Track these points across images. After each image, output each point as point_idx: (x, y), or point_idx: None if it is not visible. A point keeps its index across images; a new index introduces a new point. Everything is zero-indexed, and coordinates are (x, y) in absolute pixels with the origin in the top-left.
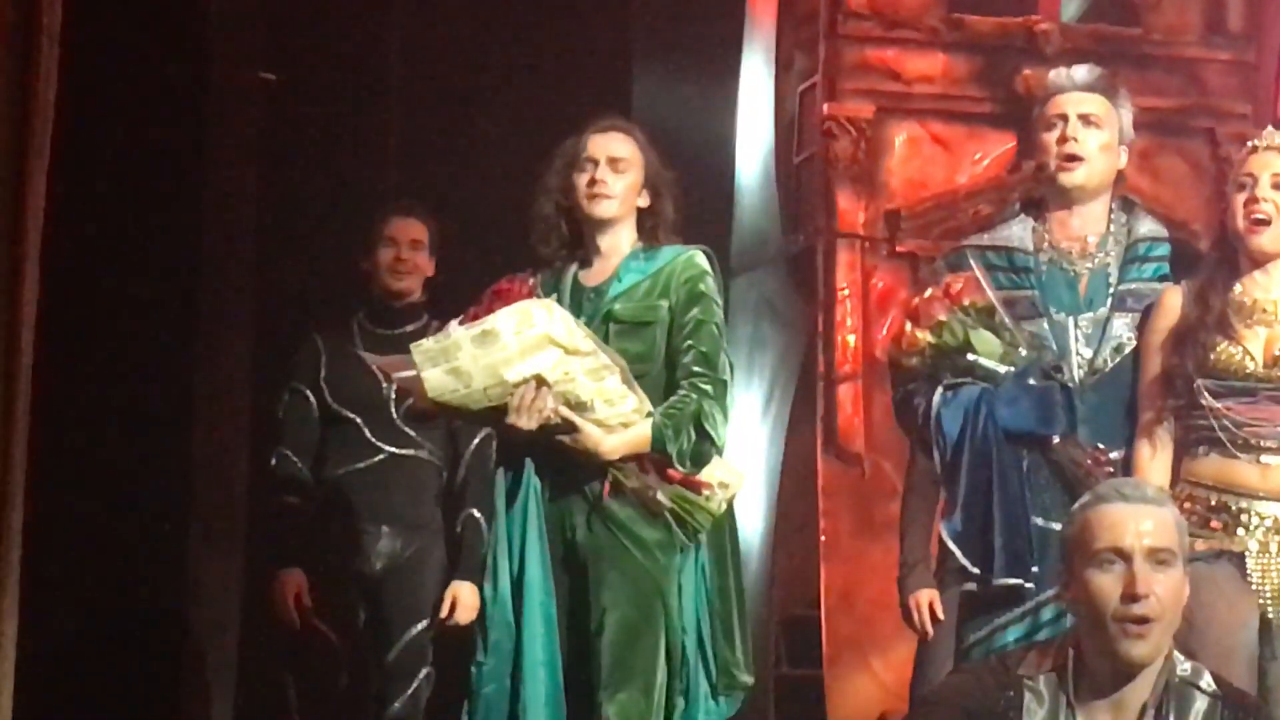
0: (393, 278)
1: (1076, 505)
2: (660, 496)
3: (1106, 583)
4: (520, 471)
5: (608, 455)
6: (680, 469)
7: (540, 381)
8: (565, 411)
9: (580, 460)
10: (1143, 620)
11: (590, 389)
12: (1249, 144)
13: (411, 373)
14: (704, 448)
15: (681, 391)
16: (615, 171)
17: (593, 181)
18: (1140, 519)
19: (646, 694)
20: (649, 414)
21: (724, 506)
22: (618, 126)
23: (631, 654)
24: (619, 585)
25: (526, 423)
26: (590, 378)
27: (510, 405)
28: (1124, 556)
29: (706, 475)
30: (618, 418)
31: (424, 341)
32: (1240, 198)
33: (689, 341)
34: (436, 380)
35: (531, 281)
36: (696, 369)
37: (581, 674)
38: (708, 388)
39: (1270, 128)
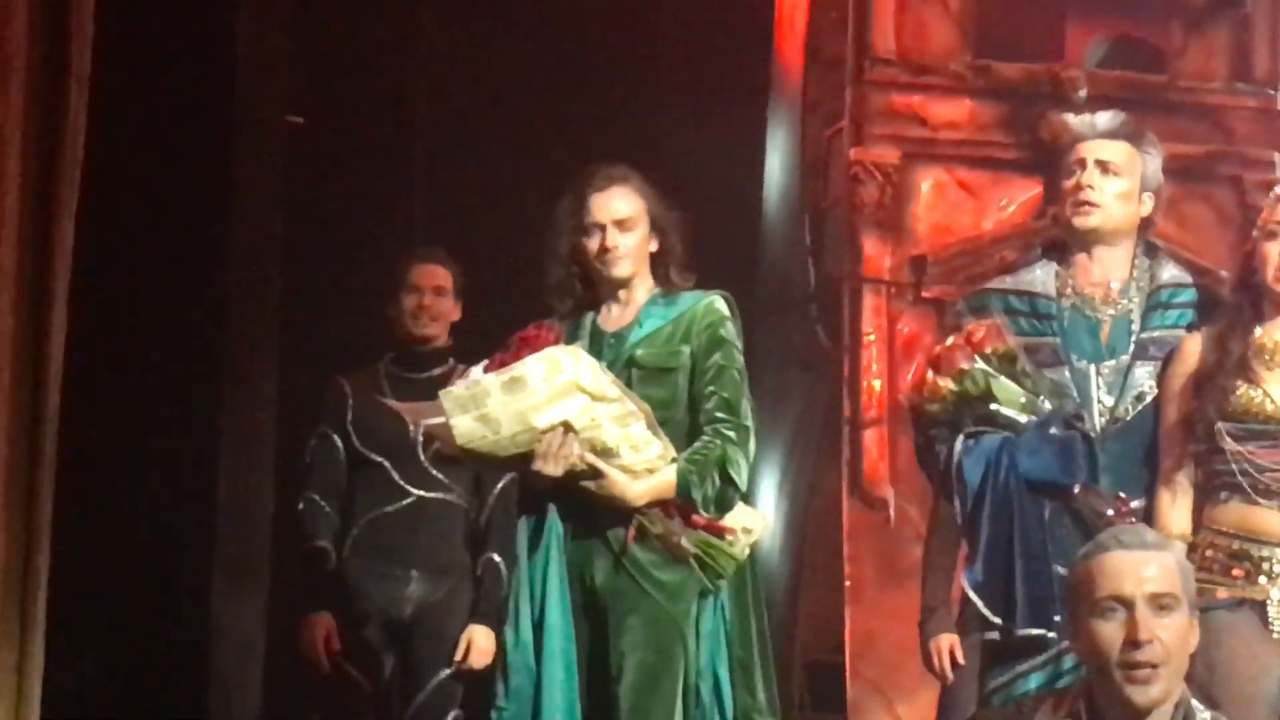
0: (416, 324)
1: (1078, 555)
2: (684, 542)
3: (1109, 631)
4: (543, 517)
5: (633, 501)
6: (704, 514)
7: (567, 428)
8: (591, 458)
9: (604, 506)
10: (1147, 666)
11: (616, 435)
12: (1276, 191)
13: (440, 419)
14: (728, 493)
15: (705, 438)
16: (623, 231)
17: (604, 248)
18: (1140, 566)
19: None
20: (673, 460)
21: (747, 551)
22: (614, 179)
23: (651, 698)
24: (639, 629)
25: (553, 469)
26: (616, 424)
27: (537, 451)
28: (1125, 604)
29: (730, 520)
30: (643, 464)
31: (453, 389)
32: (1272, 246)
33: (711, 387)
34: (466, 427)
35: (560, 328)
36: (719, 415)
37: (601, 719)
38: (731, 433)
39: None
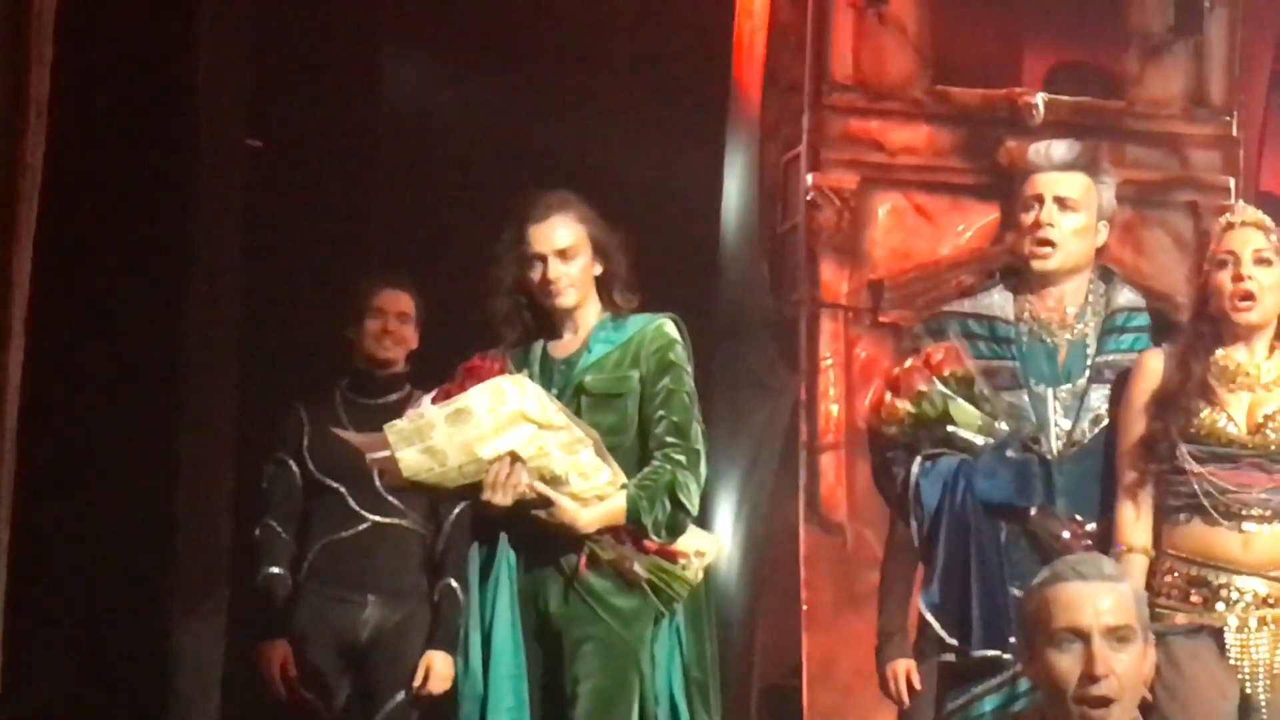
0: (379, 349)
1: (1034, 583)
2: (637, 568)
3: (1066, 663)
4: (494, 545)
5: (584, 529)
6: (656, 539)
7: (515, 457)
8: (540, 486)
9: (555, 533)
10: (1103, 701)
11: (564, 463)
12: (1223, 220)
13: (386, 453)
14: (679, 517)
15: (655, 462)
16: (565, 261)
17: (546, 280)
18: (1098, 597)
19: None
20: (623, 486)
21: (701, 575)
22: (554, 208)
23: None
24: (593, 655)
25: (502, 499)
26: (564, 451)
27: (485, 482)
28: (1082, 636)
29: (683, 544)
30: (592, 490)
31: (397, 422)
32: (1223, 275)
33: (660, 411)
34: (411, 460)
35: (504, 358)
36: (669, 439)
37: None
38: (681, 458)
39: (1241, 202)
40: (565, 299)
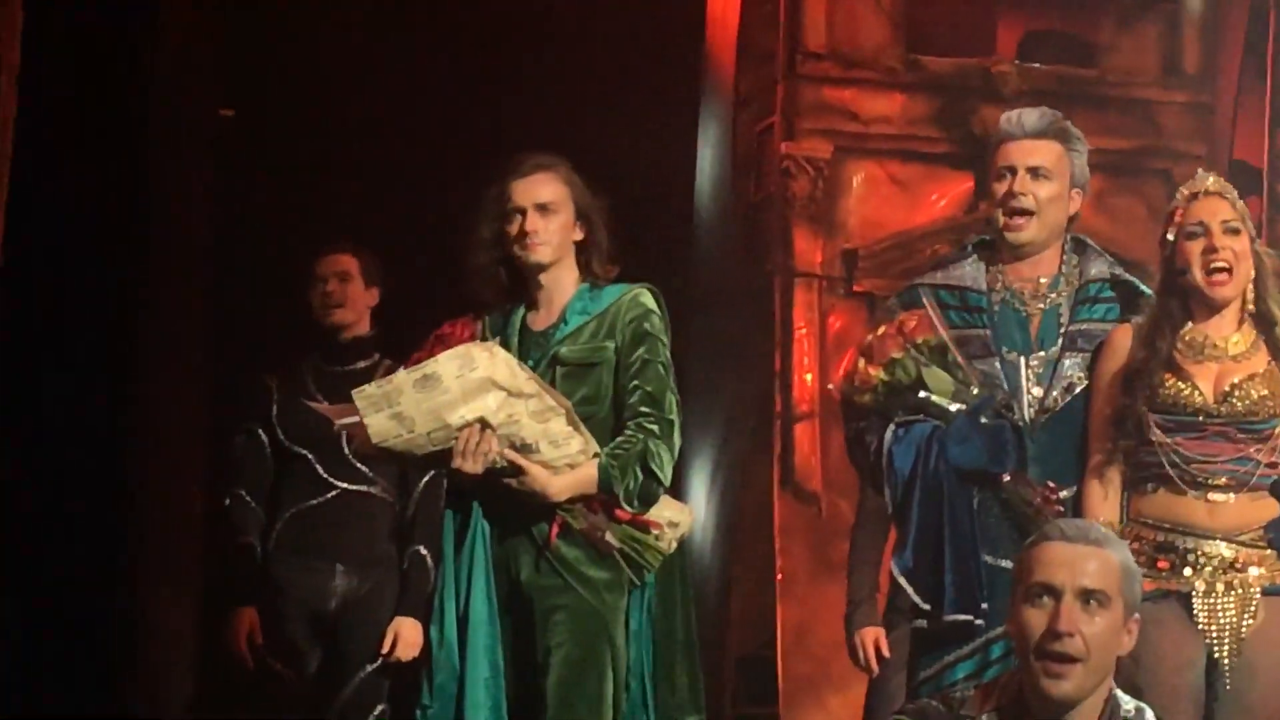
0: (324, 313)
1: (1027, 542)
2: (609, 537)
3: (1034, 617)
4: (468, 514)
5: (555, 497)
6: (628, 509)
7: (484, 424)
8: (511, 454)
9: (528, 502)
10: (1063, 658)
11: (535, 431)
12: (1185, 189)
13: (355, 418)
14: (651, 487)
15: (628, 431)
16: (544, 216)
17: (523, 232)
18: (1078, 558)
19: None
20: (595, 455)
21: (674, 545)
22: (540, 166)
23: (577, 694)
24: (565, 624)
25: (471, 466)
26: (535, 419)
27: (455, 449)
28: (1054, 593)
29: (655, 514)
30: (564, 459)
31: (366, 387)
32: (1194, 246)
33: (635, 381)
34: (380, 425)
35: (475, 325)
36: (643, 409)
37: (528, 716)
38: (654, 427)
39: (1201, 171)
40: (540, 254)
